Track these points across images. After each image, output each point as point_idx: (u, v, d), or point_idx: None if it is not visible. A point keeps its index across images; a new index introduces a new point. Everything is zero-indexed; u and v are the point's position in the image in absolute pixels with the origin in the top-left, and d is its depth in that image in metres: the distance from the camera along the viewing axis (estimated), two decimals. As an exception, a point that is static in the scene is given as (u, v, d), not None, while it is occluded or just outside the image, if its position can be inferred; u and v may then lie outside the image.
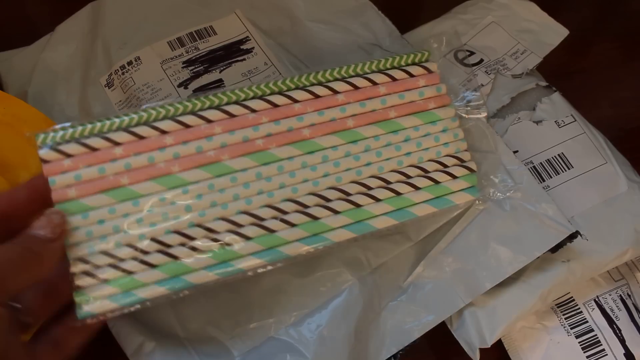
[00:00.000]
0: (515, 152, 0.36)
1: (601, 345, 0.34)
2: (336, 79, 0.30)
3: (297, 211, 0.28)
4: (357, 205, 0.28)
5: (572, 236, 0.32)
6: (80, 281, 0.25)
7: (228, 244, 0.27)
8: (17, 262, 0.23)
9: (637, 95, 0.46)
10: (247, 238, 0.27)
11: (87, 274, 0.25)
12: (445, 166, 0.31)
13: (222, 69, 0.37)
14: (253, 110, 0.28)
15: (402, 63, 0.31)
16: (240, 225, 0.27)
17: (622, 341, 0.34)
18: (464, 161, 0.31)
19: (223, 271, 0.27)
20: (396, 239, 0.33)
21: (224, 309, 0.32)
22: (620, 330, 0.34)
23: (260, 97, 0.29)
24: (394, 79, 0.31)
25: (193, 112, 0.28)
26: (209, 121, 0.28)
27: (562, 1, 0.51)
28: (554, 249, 0.32)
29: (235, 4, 0.41)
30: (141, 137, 0.27)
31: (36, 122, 0.33)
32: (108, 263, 0.26)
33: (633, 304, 0.35)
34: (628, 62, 0.47)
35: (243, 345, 0.31)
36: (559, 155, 0.36)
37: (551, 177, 0.36)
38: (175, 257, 0.26)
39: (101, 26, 0.39)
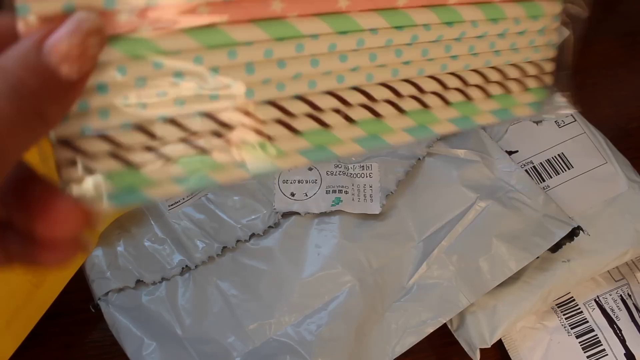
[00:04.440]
0: (515, 152, 0.36)
1: (601, 345, 0.34)
2: None
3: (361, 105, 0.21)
4: (426, 107, 0.22)
5: (574, 234, 0.32)
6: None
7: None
8: (16, 124, 0.13)
9: (637, 95, 0.46)
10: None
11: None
12: (526, 75, 0.25)
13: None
14: None
15: None
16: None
17: (623, 341, 0.34)
18: (545, 73, 0.26)
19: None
20: (398, 239, 0.33)
21: (223, 310, 0.32)
22: (620, 330, 0.34)
23: None
24: None
25: None
26: None
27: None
28: (554, 249, 0.32)
29: None
30: None
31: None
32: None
33: (633, 303, 0.35)
34: (628, 62, 0.47)
35: (243, 345, 0.31)
36: (559, 155, 0.36)
37: (551, 177, 0.35)
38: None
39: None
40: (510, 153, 0.36)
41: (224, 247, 0.32)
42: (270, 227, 0.33)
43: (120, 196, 0.17)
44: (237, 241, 0.33)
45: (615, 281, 0.36)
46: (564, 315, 0.35)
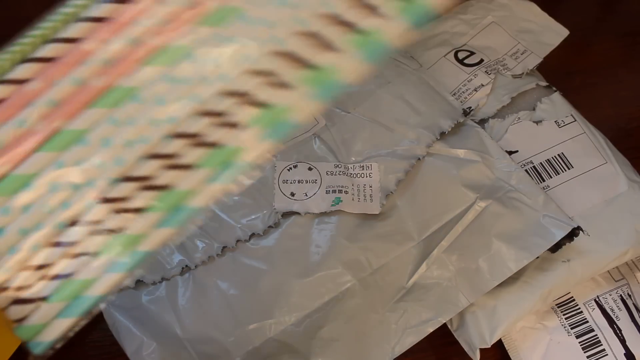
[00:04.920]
0: (515, 152, 0.36)
1: (601, 345, 0.34)
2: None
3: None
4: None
5: (573, 234, 0.32)
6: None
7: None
8: None
9: (637, 95, 0.46)
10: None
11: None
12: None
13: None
14: None
15: None
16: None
17: (623, 341, 0.34)
18: None
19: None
20: (398, 239, 0.33)
21: (224, 310, 0.32)
22: (620, 330, 0.34)
23: None
24: None
25: None
26: None
27: (562, 1, 0.51)
28: (554, 249, 0.32)
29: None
30: None
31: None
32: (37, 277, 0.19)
33: (633, 303, 0.35)
34: (628, 62, 0.47)
35: (243, 345, 0.31)
36: (559, 155, 0.36)
37: (551, 177, 0.35)
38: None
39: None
40: (510, 153, 0.36)
41: (224, 247, 0.32)
42: (270, 227, 0.33)
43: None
44: (237, 241, 0.33)
45: (615, 281, 0.36)
46: (564, 315, 0.35)
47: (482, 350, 0.32)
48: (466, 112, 0.36)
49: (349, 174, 0.34)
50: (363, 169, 0.34)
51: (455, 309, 0.31)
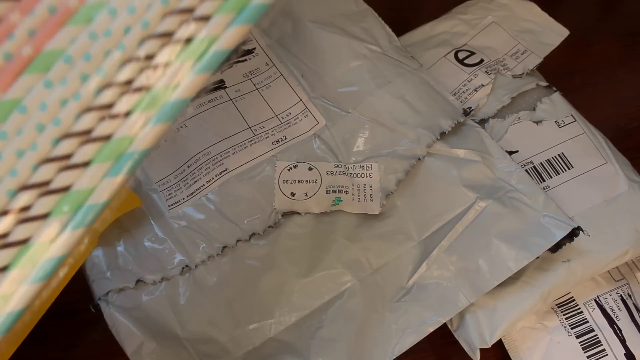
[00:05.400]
0: (515, 152, 0.36)
1: (602, 345, 0.34)
2: None
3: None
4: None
5: (573, 234, 0.32)
6: None
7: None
8: None
9: (638, 95, 0.46)
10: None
11: None
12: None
13: (223, 69, 0.37)
14: None
15: None
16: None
17: (623, 341, 0.34)
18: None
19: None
20: (398, 239, 0.33)
21: (224, 310, 0.32)
22: (620, 331, 0.34)
23: None
24: None
25: None
26: None
27: (562, 1, 0.51)
28: (554, 249, 0.32)
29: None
30: None
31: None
32: None
33: (634, 303, 0.35)
34: (628, 62, 0.47)
35: (243, 345, 0.31)
36: (559, 155, 0.36)
37: (551, 177, 0.36)
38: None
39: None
40: (510, 153, 0.36)
41: (224, 247, 0.32)
42: (270, 227, 0.33)
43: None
44: (237, 241, 0.33)
45: (615, 281, 0.36)
46: (564, 315, 0.35)
47: (482, 350, 0.32)
48: (466, 112, 0.36)
49: (349, 174, 0.34)
50: (363, 169, 0.34)
51: (455, 309, 0.31)
